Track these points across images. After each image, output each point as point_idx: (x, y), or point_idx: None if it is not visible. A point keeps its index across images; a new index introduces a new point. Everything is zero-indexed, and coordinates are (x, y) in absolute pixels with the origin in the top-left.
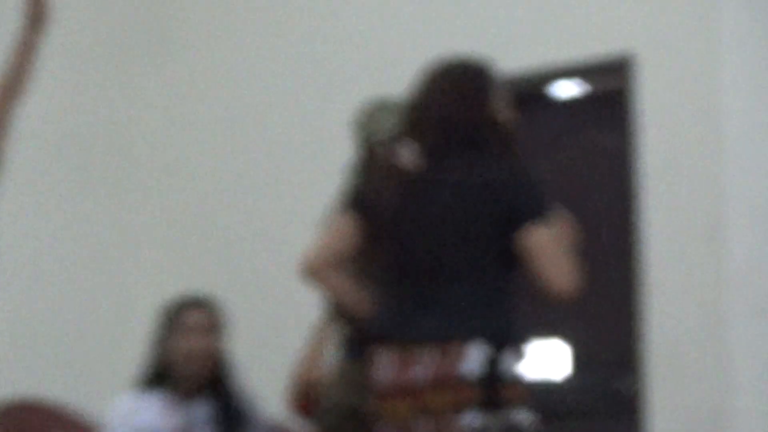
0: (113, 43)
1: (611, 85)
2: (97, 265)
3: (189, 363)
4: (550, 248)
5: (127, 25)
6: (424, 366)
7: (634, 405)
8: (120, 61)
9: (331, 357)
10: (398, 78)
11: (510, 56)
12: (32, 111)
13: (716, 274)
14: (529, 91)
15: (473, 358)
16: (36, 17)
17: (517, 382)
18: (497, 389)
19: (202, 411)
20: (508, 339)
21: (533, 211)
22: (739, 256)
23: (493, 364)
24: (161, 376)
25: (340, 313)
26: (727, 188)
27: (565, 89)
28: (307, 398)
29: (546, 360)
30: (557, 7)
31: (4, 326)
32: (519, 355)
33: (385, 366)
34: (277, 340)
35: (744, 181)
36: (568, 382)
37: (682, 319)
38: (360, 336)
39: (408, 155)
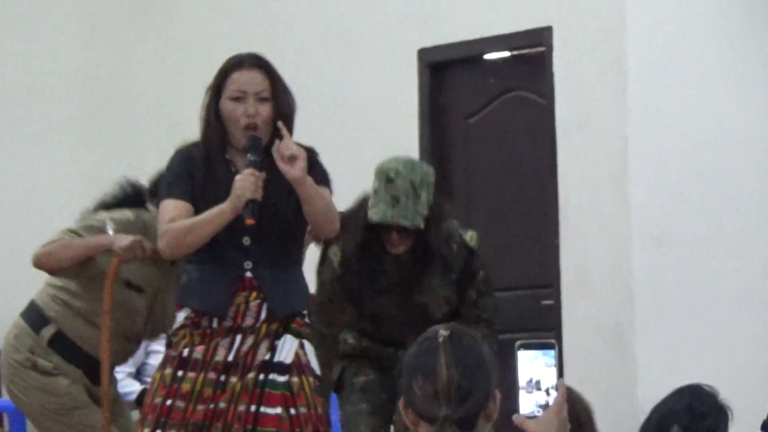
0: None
1: (534, 51)
2: None
3: None
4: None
5: None
6: None
7: (554, 318)
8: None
9: None
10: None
11: (453, 28)
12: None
13: (621, 210)
14: (468, 56)
15: None
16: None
17: None
18: None
19: None
20: None
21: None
22: (640, 195)
23: None
24: None
25: None
26: (632, 137)
27: (497, 54)
28: None
29: None
30: None
31: None
32: None
33: None
34: None
35: (646, 132)
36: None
37: (592, 247)
38: None
39: None
